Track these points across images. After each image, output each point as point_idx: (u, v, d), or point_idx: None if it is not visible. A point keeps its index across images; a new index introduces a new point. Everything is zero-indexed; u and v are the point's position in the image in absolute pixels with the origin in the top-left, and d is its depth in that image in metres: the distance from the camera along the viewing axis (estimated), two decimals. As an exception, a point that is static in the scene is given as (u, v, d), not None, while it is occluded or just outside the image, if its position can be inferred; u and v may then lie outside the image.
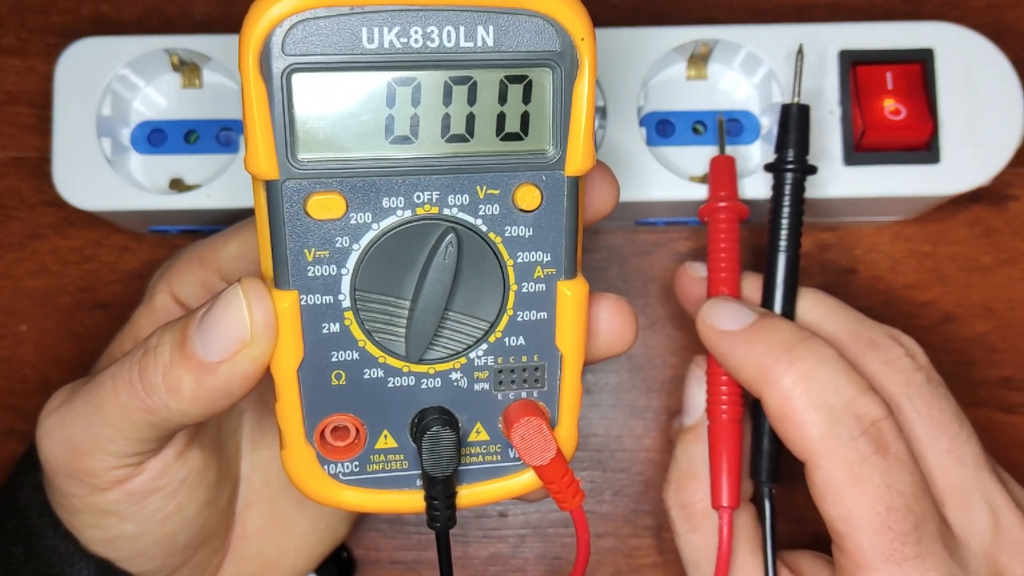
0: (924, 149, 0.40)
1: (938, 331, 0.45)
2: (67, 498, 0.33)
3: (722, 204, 0.37)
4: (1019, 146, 0.40)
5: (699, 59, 0.41)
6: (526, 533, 0.44)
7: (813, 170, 0.37)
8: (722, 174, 0.38)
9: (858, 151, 0.40)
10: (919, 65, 0.40)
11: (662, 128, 0.41)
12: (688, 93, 0.42)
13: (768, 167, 0.37)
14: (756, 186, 0.40)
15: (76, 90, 0.40)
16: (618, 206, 0.36)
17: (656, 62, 0.40)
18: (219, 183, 0.40)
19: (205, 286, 0.37)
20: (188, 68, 0.41)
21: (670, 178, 0.40)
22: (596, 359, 0.32)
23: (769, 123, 0.41)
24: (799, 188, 0.37)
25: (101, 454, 0.31)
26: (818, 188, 0.40)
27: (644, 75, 0.40)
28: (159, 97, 0.42)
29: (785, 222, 0.37)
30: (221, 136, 0.41)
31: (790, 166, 0.37)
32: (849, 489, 0.32)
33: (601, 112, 0.40)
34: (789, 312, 0.37)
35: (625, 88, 0.40)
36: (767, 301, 0.37)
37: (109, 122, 0.40)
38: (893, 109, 0.39)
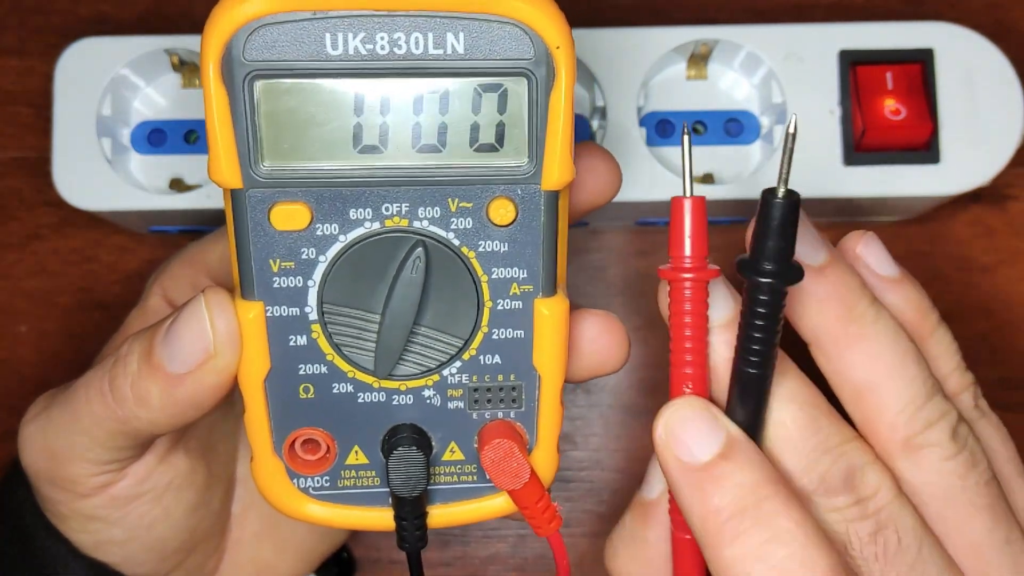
0: (924, 149, 0.40)
1: (938, 331, 0.45)
2: (53, 504, 0.33)
3: (688, 275, 0.29)
4: (1019, 146, 0.40)
5: (699, 59, 0.41)
6: (526, 533, 0.44)
7: (799, 276, 0.28)
8: (687, 223, 0.29)
9: (858, 151, 0.40)
10: (919, 65, 0.40)
11: (662, 128, 0.41)
12: (688, 93, 0.42)
13: (742, 269, 0.28)
14: (754, 188, 0.40)
15: (76, 90, 0.40)
16: (618, 206, 0.36)
17: (656, 62, 0.40)
18: (219, 183, 0.40)
19: (196, 287, 0.37)
20: (188, 68, 0.41)
21: (670, 178, 0.40)
22: (582, 379, 0.31)
23: (769, 123, 0.41)
24: (779, 298, 0.28)
25: (80, 461, 0.31)
26: (818, 188, 0.40)
27: (644, 75, 0.40)
28: (159, 97, 0.42)
29: (760, 336, 0.28)
30: (221, 136, 0.41)
31: (767, 277, 0.28)
32: None
33: (601, 112, 0.40)
34: (752, 425, 0.30)
35: (625, 88, 0.40)
36: (729, 412, 0.30)
37: (109, 122, 0.40)
38: (893, 109, 0.39)
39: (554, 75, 0.26)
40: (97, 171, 0.40)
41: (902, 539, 0.30)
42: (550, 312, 0.29)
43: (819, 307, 0.31)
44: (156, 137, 0.41)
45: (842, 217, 0.44)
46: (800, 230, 0.29)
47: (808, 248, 0.31)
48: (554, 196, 0.28)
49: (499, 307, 0.29)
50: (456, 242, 0.28)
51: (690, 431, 0.29)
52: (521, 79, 0.26)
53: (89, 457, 0.31)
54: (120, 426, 0.30)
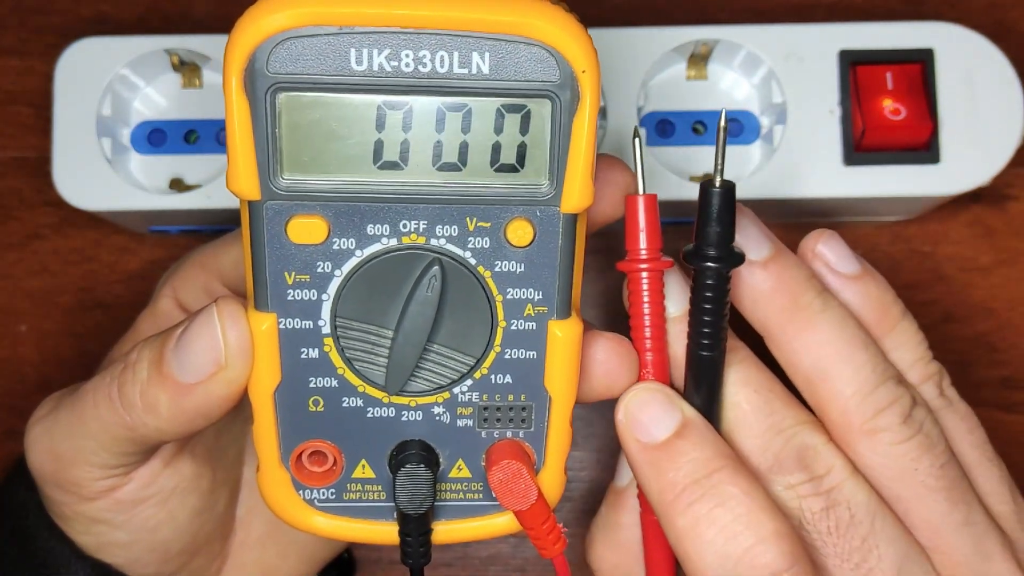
0: (924, 149, 0.40)
1: (938, 331, 0.45)
2: (57, 505, 0.33)
3: (643, 266, 0.31)
4: (1019, 146, 0.40)
5: (699, 59, 0.41)
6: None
7: (740, 260, 0.31)
8: (641, 218, 0.31)
9: (858, 151, 0.40)
10: (919, 65, 0.40)
11: (662, 128, 0.41)
12: (688, 93, 0.42)
13: (687, 257, 0.31)
14: (753, 188, 0.40)
15: (76, 90, 0.40)
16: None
17: (656, 62, 0.40)
18: (219, 183, 0.40)
19: (208, 291, 0.37)
20: (188, 68, 0.41)
21: (670, 178, 0.40)
22: (590, 400, 0.31)
23: (769, 123, 0.41)
24: (724, 281, 0.30)
25: (85, 465, 0.31)
26: (818, 188, 0.40)
27: (644, 75, 0.40)
28: (159, 97, 0.42)
29: (709, 319, 0.31)
30: (221, 136, 0.41)
31: (711, 262, 0.30)
32: None
33: (601, 112, 0.40)
34: (709, 408, 0.32)
35: (625, 88, 0.40)
36: (687, 396, 0.32)
37: (109, 122, 0.40)
38: (893, 109, 0.39)
39: (578, 99, 0.26)
40: (97, 171, 0.40)
41: (855, 514, 0.31)
42: (563, 334, 0.29)
43: (766, 300, 0.32)
44: (156, 137, 0.42)
45: (842, 217, 0.44)
46: (746, 226, 0.32)
47: (753, 243, 0.32)
48: (572, 219, 0.28)
49: (512, 327, 0.29)
50: (473, 261, 0.28)
51: (647, 413, 0.31)
52: (545, 101, 0.26)
53: (95, 461, 0.31)
54: (127, 432, 0.30)
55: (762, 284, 0.32)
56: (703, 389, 0.32)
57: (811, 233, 0.34)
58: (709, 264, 0.30)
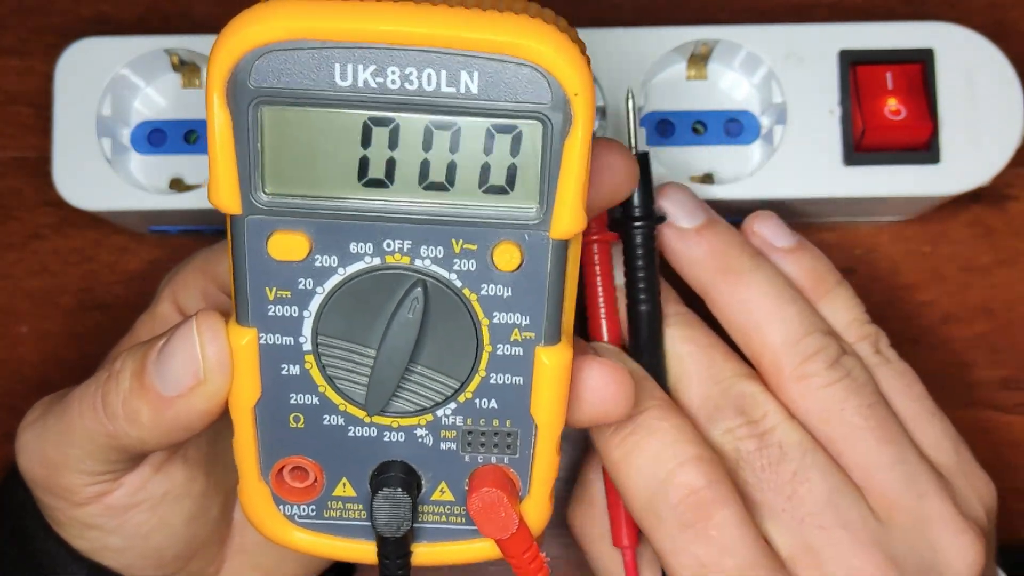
0: (924, 149, 0.40)
1: (937, 331, 0.45)
2: (50, 510, 0.33)
3: (595, 238, 0.35)
4: (1019, 146, 0.40)
5: (699, 59, 0.41)
6: (526, 533, 0.44)
7: (661, 219, 0.35)
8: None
9: (858, 151, 0.40)
10: (919, 65, 0.40)
11: (662, 128, 0.41)
12: (688, 93, 0.42)
13: (615, 225, 0.35)
14: (755, 187, 0.40)
15: (76, 90, 0.40)
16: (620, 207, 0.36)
17: (656, 62, 0.40)
18: (219, 183, 0.40)
19: (206, 296, 0.36)
20: (188, 68, 0.41)
21: (670, 178, 0.40)
22: (582, 426, 0.31)
23: (769, 123, 0.41)
24: (650, 239, 0.35)
25: (74, 471, 0.31)
26: (818, 188, 0.40)
27: (644, 75, 0.40)
28: (159, 97, 0.42)
29: (642, 275, 0.35)
30: (221, 136, 0.41)
31: (638, 221, 0.35)
32: (669, 560, 0.32)
33: (601, 112, 0.40)
34: (653, 363, 0.35)
35: (625, 88, 0.40)
36: (633, 354, 0.35)
37: (109, 122, 0.40)
38: (893, 109, 0.39)
39: (571, 122, 0.25)
40: (97, 171, 0.40)
41: (786, 452, 0.33)
42: (551, 362, 0.28)
43: (701, 263, 0.35)
44: (156, 137, 0.41)
45: (842, 217, 0.44)
46: (681, 198, 0.36)
47: (687, 213, 0.36)
48: (563, 245, 0.27)
49: (499, 352, 0.28)
50: (458, 283, 0.27)
51: None
52: (536, 123, 0.25)
53: (82, 468, 0.31)
54: (111, 441, 0.30)
55: (696, 249, 0.35)
56: (642, 341, 0.35)
57: (749, 216, 0.37)
58: (636, 224, 0.35)
